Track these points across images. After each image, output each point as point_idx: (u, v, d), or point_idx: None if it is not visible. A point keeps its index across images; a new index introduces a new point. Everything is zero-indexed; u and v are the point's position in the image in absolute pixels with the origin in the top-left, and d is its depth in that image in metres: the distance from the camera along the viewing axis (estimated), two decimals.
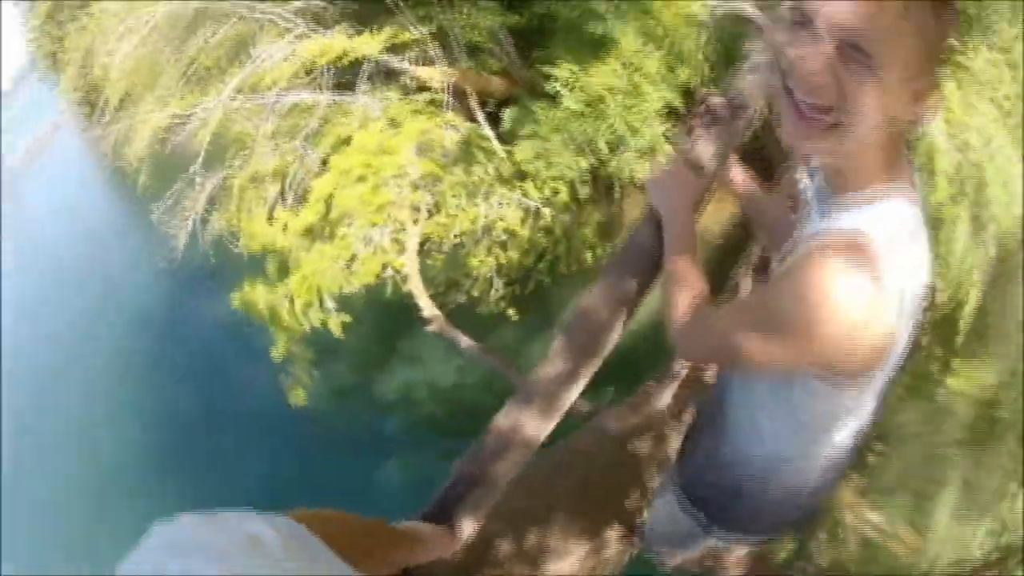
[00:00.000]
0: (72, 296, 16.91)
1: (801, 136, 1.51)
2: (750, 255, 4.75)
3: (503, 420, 1.90)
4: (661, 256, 2.05)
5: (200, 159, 11.03)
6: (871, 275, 1.45)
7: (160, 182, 11.49)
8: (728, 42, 7.88)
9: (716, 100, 2.28)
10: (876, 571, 6.66)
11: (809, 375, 1.71)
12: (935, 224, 5.98)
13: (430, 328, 8.22)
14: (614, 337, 2.01)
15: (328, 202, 8.94)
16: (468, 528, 1.87)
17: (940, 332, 6.45)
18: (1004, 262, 6.25)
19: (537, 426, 1.90)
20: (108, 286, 15.91)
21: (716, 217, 11.04)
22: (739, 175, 2.41)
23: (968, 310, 5.99)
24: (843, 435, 1.93)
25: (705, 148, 2.10)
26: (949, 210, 5.71)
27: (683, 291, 1.83)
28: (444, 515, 1.82)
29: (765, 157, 10.47)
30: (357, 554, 1.36)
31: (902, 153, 1.60)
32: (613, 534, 2.71)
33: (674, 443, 3.35)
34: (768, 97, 2.42)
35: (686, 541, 2.54)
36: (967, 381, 5.74)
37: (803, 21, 1.42)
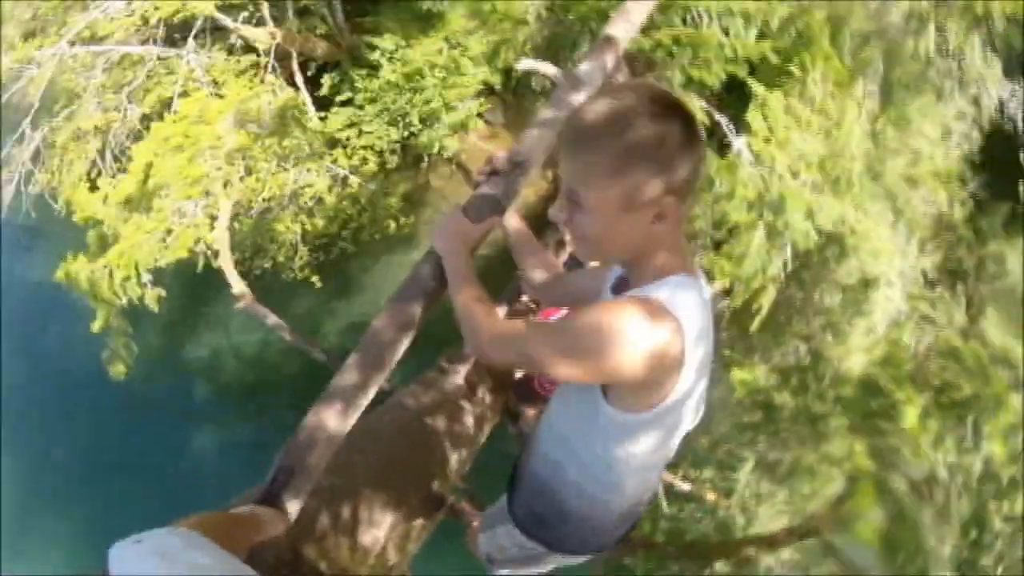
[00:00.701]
0: None
1: (576, 249, 2.00)
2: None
3: (312, 418, 2.10)
4: (438, 289, 2.30)
5: (32, 113, 10.81)
6: (660, 320, 1.72)
7: None
8: (552, 36, 8.13)
9: (500, 156, 2.55)
10: (687, 531, 7.13)
11: (611, 404, 1.94)
12: (732, 233, 6.48)
13: (239, 305, 8.24)
14: (399, 353, 2.26)
15: (147, 171, 8.82)
16: (294, 508, 2.08)
17: (738, 323, 6.92)
18: (803, 266, 6.78)
19: (339, 423, 2.11)
20: None
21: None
22: (515, 223, 2.68)
23: (764, 304, 6.47)
24: (652, 455, 2.16)
25: (485, 197, 2.36)
26: (745, 220, 6.16)
27: (477, 314, 2.06)
28: (272, 499, 2.07)
29: None
30: (234, 545, 1.62)
31: (675, 249, 1.91)
32: (417, 504, 2.93)
33: (469, 419, 3.63)
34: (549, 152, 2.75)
35: (540, 559, 2.81)
36: (748, 373, 6.22)
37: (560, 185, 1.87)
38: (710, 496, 7.11)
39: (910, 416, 5.10)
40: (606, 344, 1.73)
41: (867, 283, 6.26)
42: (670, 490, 7.16)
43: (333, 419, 2.15)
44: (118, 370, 9.02)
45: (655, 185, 1.76)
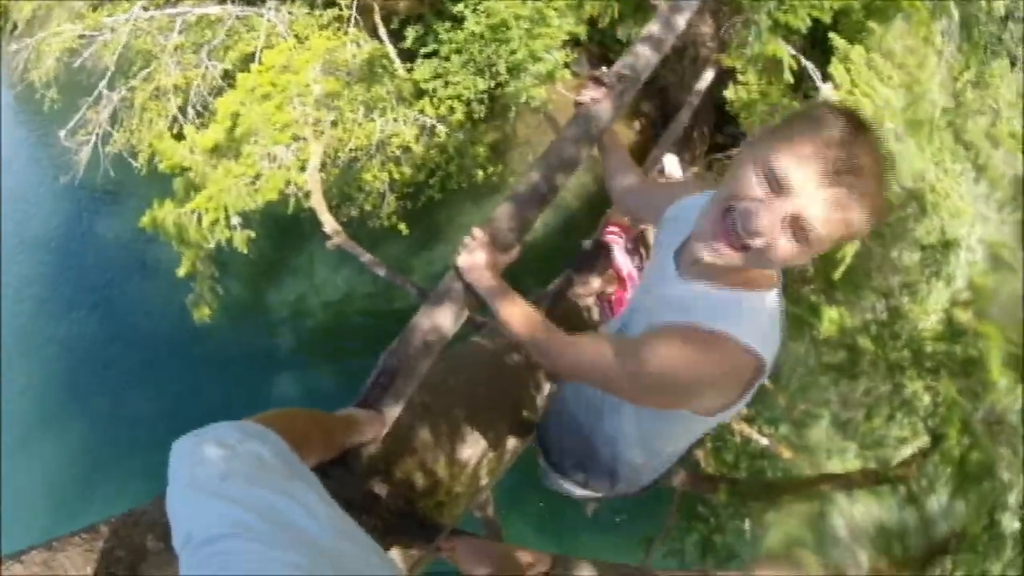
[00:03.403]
0: None
1: (714, 245, 1.75)
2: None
3: (422, 320, 2.19)
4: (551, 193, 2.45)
5: (107, 76, 11.02)
6: (748, 370, 1.77)
7: (68, 100, 11.29)
8: None
9: (607, 71, 2.60)
10: (761, 475, 7.19)
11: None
12: None
13: (331, 243, 8.27)
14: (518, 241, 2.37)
15: (234, 119, 8.87)
16: (393, 412, 2.16)
17: (821, 270, 6.93)
18: (884, 222, 6.76)
19: (450, 323, 2.21)
20: (7, 209, 15.29)
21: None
22: (611, 138, 2.68)
23: (847, 253, 6.46)
24: (686, 442, 2.34)
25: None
26: None
27: (538, 333, 2.08)
28: (372, 401, 2.13)
29: (663, 88, 10.73)
30: (309, 441, 1.70)
31: None
32: (508, 428, 3.00)
33: None
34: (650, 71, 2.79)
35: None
36: (837, 318, 6.21)
37: (779, 189, 1.63)
38: (785, 453, 7.16)
39: (992, 352, 5.10)
40: (686, 390, 1.82)
41: (947, 244, 6.23)
42: (747, 444, 7.22)
43: (444, 319, 2.21)
44: (203, 313, 9.14)
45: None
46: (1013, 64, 7.26)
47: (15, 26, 11.99)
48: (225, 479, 1.30)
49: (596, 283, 4.37)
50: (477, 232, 2.29)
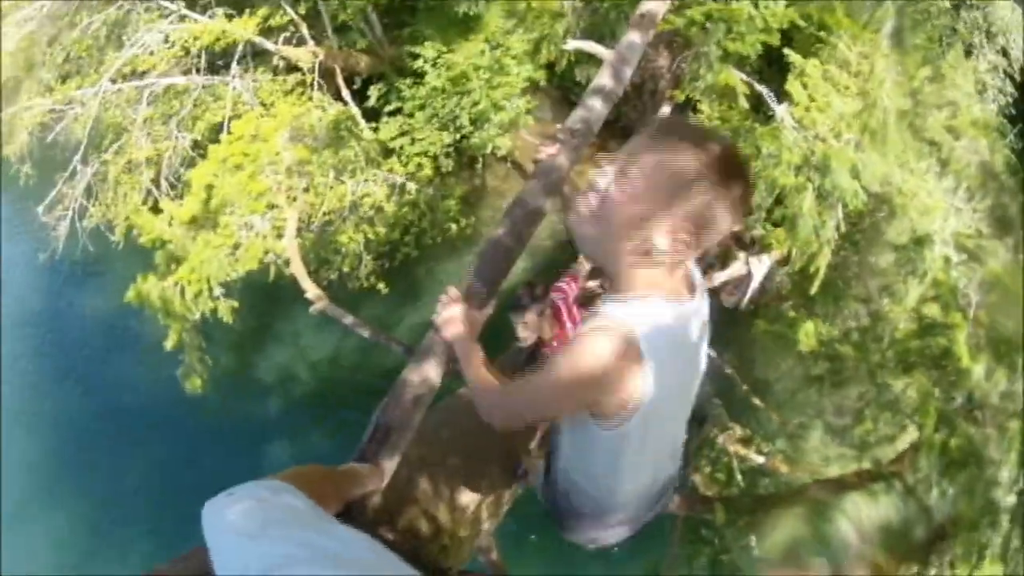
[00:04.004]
0: None
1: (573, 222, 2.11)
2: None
3: (411, 375, 2.28)
4: (517, 248, 2.60)
5: (80, 150, 11.07)
6: (620, 348, 1.88)
7: (43, 175, 11.27)
8: (590, 25, 8.27)
9: (559, 128, 2.75)
10: (759, 492, 7.25)
11: (590, 423, 2.13)
12: (782, 197, 6.64)
13: (315, 309, 8.31)
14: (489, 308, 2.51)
15: (208, 191, 8.97)
16: (391, 464, 2.22)
17: (797, 286, 7.04)
18: (856, 229, 6.90)
19: (436, 375, 2.31)
20: None
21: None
22: (574, 191, 2.77)
23: (820, 265, 6.60)
24: (632, 471, 2.39)
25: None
26: (792, 183, 6.30)
27: (489, 398, 2.30)
28: (371, 456, 2.18)
29: (627, 126, 10.92)
30: (325, 494, 1.78)
31: (662, 271, 2.03)
32: (502, 469, 3.11)
33: None
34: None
35: None
36: (815, 331, 6.33)
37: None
38: (783, 468, 7.23)
39: (959, 342, 5.22)
40: (578, 385, 1.98)
41: (919, 241, 6.35)
42: (743, 462, 7.29)
43: (431, 371, 2.31)
44: (194, 384, 9.11)
45: (676, 222, 1.90)
46: (969, 53, 7.42)
47: None
48: (266, 525, 1.36)
49: (526, 328, 4.51)
50: (452, 290, 2.44)
